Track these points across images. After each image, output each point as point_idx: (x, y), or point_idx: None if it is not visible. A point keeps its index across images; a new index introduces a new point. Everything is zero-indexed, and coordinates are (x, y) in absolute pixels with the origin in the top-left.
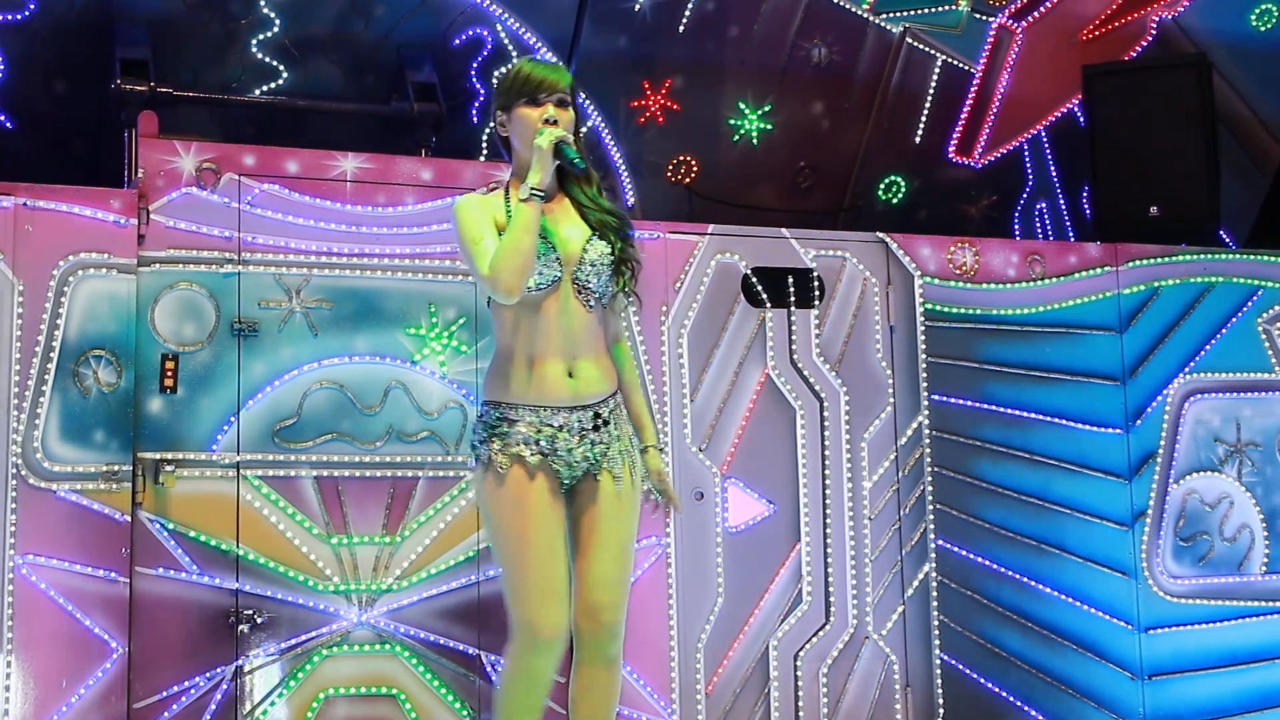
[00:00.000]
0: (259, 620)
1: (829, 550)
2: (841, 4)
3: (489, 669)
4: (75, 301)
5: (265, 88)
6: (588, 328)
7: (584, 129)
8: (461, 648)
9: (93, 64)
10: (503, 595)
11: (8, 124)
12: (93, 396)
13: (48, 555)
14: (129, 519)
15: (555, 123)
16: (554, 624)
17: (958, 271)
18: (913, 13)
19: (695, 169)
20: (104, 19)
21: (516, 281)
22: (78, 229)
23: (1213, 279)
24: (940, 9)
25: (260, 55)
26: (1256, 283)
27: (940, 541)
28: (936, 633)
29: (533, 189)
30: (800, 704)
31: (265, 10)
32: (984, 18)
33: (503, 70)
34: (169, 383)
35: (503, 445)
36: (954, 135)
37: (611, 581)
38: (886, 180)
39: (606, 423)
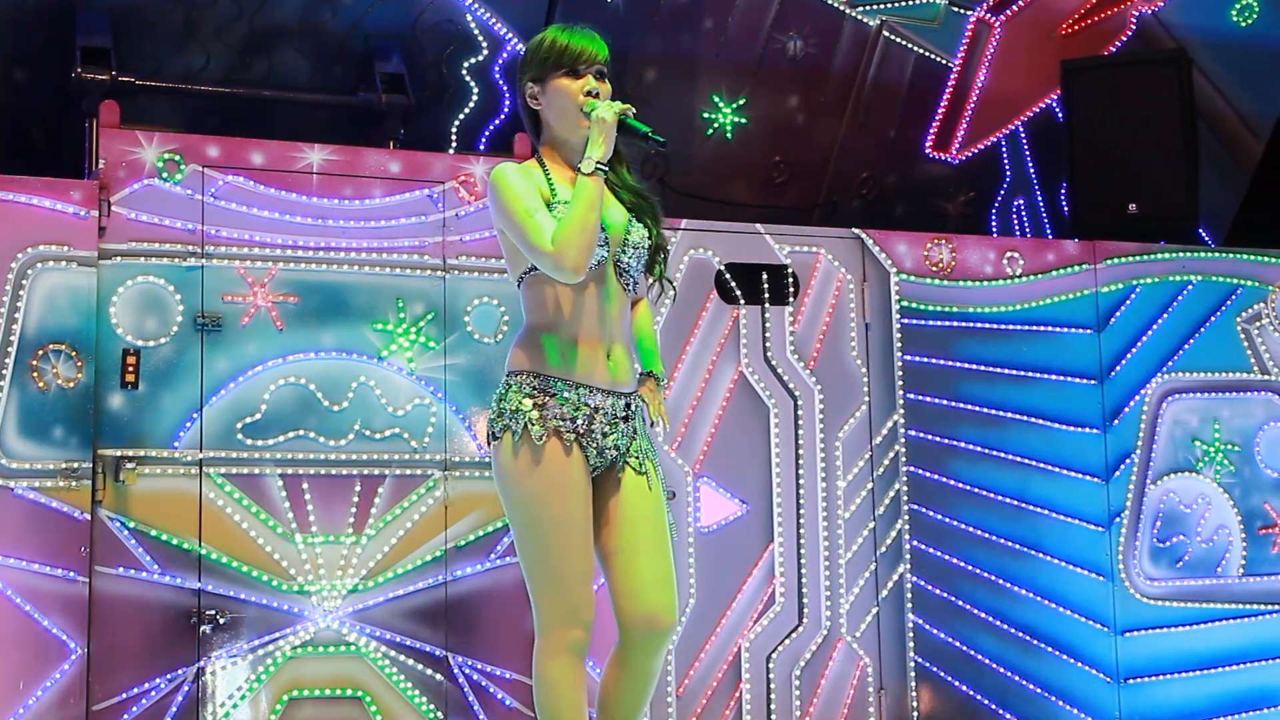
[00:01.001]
0: (221, 621)
1: (802, 551)
2: None
3: (456, 670)
4: (34, 294)
5: (230, 78)
6: (624, 312)
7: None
8: (428, 649)
9: (53, 52)
10: (528, 588)
11: None
12: (52, 392)
13: (5, 554)
14: (89, 517)
15: (598, 95)
16: (592, 608)
17: (934, 269)
18: (890, 5)
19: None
20: (65, 6)
21: (585, 261)
22: (37, 220)
23: (1191, 277)
24: (918, 1)
25: (225, 44)
26: (1235, 281)
27: (915, 542)
28: (911, 635)
29: (598, 163)
30: (772, 707)
31: None
32: (962, 11)
33: (532, 40)
34: (130, 378)
35: (540, 415)
36: (931, 130)
37: (666, 581)
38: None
39: (634, 415)
